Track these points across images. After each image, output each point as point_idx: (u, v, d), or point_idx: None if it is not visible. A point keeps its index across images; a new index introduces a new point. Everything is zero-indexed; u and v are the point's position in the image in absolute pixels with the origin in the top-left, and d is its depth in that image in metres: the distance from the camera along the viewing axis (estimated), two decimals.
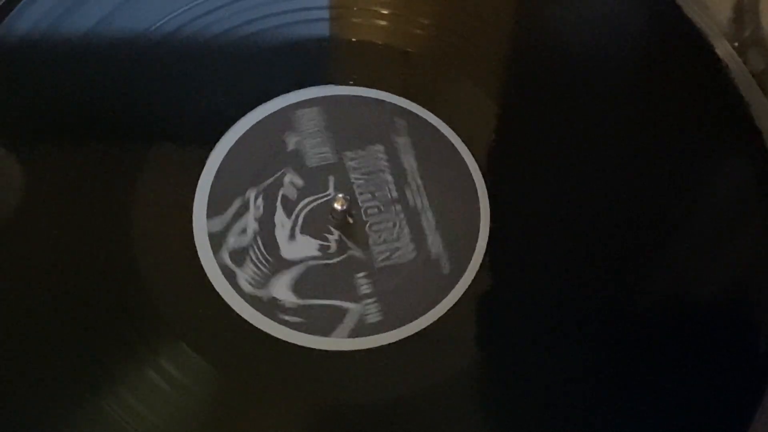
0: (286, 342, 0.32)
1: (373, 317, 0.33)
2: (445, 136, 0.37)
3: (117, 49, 0.38)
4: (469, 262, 0.34)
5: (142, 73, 0.37)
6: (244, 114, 0.37)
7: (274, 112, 0.37)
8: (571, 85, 0.37)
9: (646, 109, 0.37)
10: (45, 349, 0.31)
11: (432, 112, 0.37)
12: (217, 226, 0.34)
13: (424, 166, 0.36)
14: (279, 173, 0.36)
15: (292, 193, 0.35)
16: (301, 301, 0.33)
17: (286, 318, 0.33)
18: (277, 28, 0.38)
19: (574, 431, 0.31)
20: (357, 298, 0.33)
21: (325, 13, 0.39)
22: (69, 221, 0.34)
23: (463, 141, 0.36)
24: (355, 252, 0.34)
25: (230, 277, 0.33)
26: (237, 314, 0.33)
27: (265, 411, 0.31)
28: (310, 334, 0.32)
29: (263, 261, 0.34)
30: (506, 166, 0.36)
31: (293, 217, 0.35)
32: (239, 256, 0.34)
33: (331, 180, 0.36)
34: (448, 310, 0.33)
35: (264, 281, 0.33)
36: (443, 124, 0.37)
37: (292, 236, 0.34)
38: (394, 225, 0.35)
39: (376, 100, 0.37)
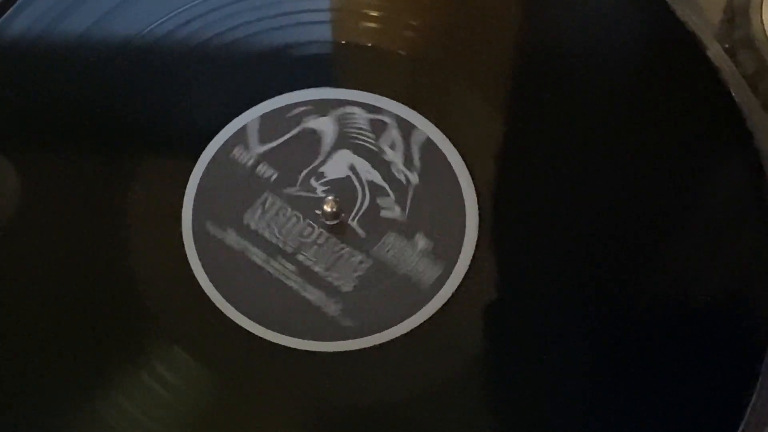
0: (280, 345, 0.32)
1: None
2: (434, 140, 0.37)
3: (110, 53, 0.38)
4: (458, 263, 0.34)
5: (136, 76, 0.37)
6: (235, 116, 0.37)
7: (267, 113, 0.37)
8: (562, 87, 0.37)
9: (639, 111, 0.37)
10: (40, 354, 0.32)
11: (423, 116, 0.37)
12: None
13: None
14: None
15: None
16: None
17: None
18: (269, 31, 0.38)
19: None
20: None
21: (320, 16, 0.39)
22: (62, 225, 0.34)
23: (452, 144, 0.36)
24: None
25: None
26: (230, 318, 0.33)
27: (261, 414, 0.32)
28: (302, 337, 0.32)
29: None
30: (498, 168, 0.36)
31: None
32: None
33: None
34: (442, 308, 0.33)
35: None
36: (433, 127, 0.37)
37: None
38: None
39: (369, 104, 0.37)
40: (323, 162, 0.36)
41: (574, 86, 0.37)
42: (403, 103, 0.36)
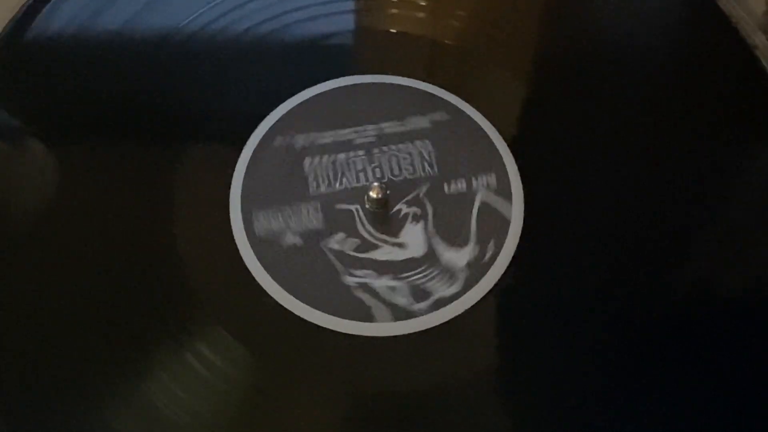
0: (324, 328, 0.32)
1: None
2: (481, 127, 0.37)
3: (150, 44, 0.38)
4: (499, 257, 0.34)
5: (175, 68, 0.38)
6: (279, 104, 0.37)
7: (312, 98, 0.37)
8: (605, 77, 0.37)
9: (680, 102, 0.37)
10: (87, 335, 0.32)
11: (468, 102, 0.37)
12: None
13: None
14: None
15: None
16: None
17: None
18: (311, 19, 0.39)
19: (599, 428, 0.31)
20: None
21: (361, 5, 0.40)
22: (110, 211, 0.35)
23: (498, 132, 0.37)
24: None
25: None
26: (274, 300, 0.33)
27: (300, 395, 0.32)
28: (347, 319, 0.33)
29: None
30: (541, 157, 0.36)
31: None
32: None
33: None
34: (481, 301, 0.33)
35: None
36: (480, 114, 0.37)
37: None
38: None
39: (416, 89, 0.38)
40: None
41: (617, 77, 0.37)
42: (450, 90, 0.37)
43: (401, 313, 0.33)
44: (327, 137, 0.37)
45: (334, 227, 0.35)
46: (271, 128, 0.37)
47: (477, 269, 0.34)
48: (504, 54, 0.38)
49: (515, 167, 0.36)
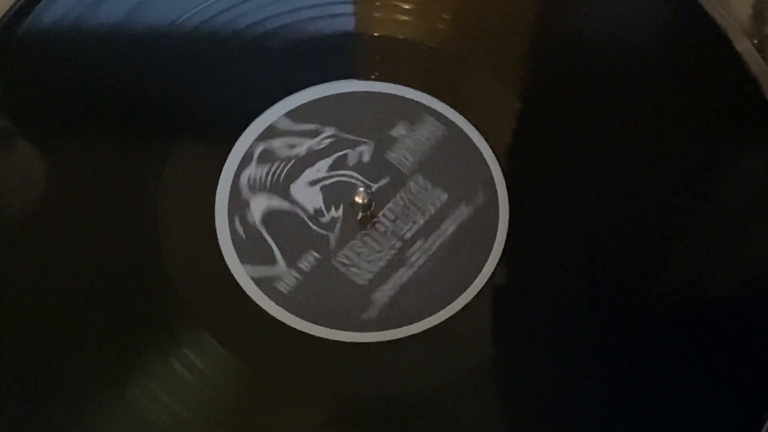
0: (309, 334, 0.33)
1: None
2: (466, 133, 0.37)
3: (143, 41, 0.38)
4: (488, 258, 0.34)
5: (167, 66, 0.38)
6: (268, 107, 0.37)
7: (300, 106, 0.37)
8: (590, 82, 0.37)
9: (666, 106, 0.37)
10: (70, 339, 0.32)
11: (453, 108, 0.37)
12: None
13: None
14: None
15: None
16: None
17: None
18: (300, 22, 0.39)
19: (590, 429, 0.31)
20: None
21: (348, 8, 0.39)
22: (94, 211, 0.34)
23: (483, 137, 0.37)
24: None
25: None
26: (260, 306, 0.33)
27: (287, 401, 0.32)
28: (330, 327, 0.33)
29: None
30: (527, 162, 0.36)
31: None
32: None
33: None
34: (468, 303, 0.33)
35: None
36: (465, 120, 0.37)
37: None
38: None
39: (399, 96, 0.38)
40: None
41: (603, 81, 0.37)
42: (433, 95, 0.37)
43: None
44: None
45: None
46: (257, 132, 0.37)
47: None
48: (491, 58, 0.38)
49: (500, 173, 0.36)
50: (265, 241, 0.34)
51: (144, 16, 0.38)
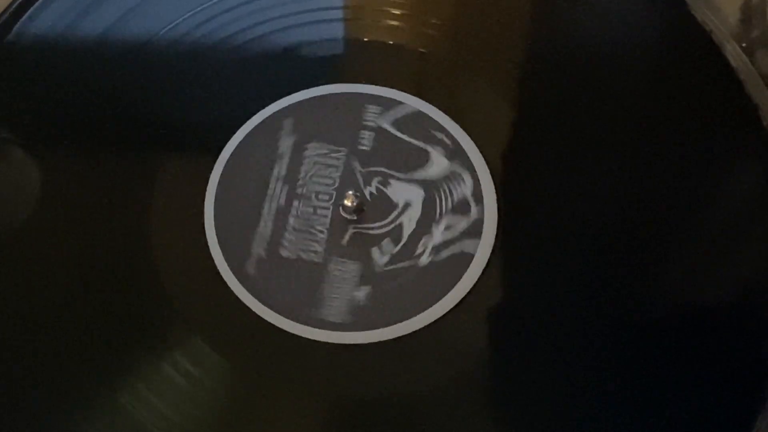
0: (301, 337, 0.33)
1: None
2: (454, 136, 0.37)
3: (131, 51, 0.38)
4: (475, 260, 0.34)
5: (155, 75, 0.38)
6: (255, 113, 0.37)
7: (283, 108, 0.37)
8: (580, 86, 0.37)
9: (655, 110, 0.37)
10: (62, 345, 0.32)
11: (444, 112, 0.37)
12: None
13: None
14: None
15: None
16: None
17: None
18: (287, 29, 0.39)
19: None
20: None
21: (337, 14, 0.40)
22: (85, 219, 0.35)
23: (473, 140, 0.37)
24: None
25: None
26: (251, 309, 0.33)
27: (279, 405, 0.32)
28: (321, 329, 0.33)
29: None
30: (517, 167, 0.36)
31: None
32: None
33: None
34: (458, 304, 0.33)
35: None
36: (454, 124, 0.37)
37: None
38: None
39: (390, 99, 0.38)
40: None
41: (592, 85, 0.38)
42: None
43: None
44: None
45: None
46: (245, 138, 0.37)
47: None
48: (481, 63, 0.38)
49: (488, 175, 0.36)
50: None
51: (129, 27, 0.38)
